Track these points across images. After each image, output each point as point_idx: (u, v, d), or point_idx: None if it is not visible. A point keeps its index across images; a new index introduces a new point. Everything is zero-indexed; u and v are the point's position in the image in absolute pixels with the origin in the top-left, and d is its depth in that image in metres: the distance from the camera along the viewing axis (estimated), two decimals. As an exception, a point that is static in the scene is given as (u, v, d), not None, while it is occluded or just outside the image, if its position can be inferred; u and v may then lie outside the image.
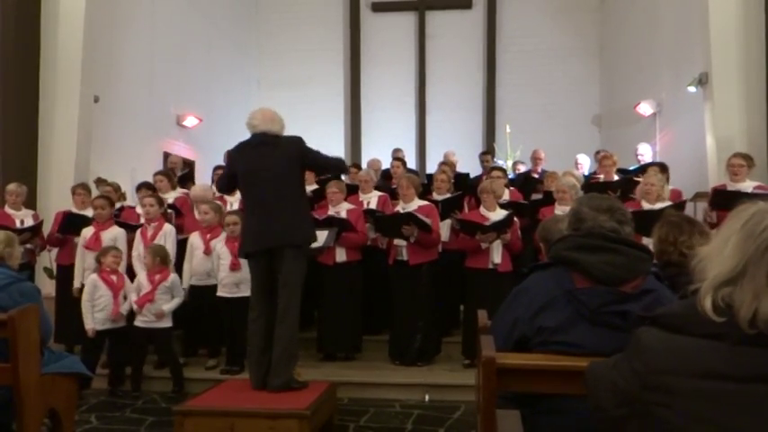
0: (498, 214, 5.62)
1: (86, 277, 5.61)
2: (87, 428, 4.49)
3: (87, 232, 5.80)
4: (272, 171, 4.21)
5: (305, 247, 4.33)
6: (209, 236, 5.67)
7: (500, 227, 5.45)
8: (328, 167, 4.74)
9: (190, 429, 3.78)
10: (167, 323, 5.36)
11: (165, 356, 5.49)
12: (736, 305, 1.26)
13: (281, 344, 4.14)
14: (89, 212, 6.13)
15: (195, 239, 5.73)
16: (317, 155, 4.38)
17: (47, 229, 6.34)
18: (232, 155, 4.56)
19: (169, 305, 5.34)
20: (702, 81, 7.54)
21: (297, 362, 4.31)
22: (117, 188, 7.02)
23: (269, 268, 4.28)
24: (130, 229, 5.94)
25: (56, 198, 7.20)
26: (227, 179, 4.58)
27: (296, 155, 4.27)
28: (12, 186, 6.27)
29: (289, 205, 4.22)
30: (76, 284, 5.75)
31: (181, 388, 5.32)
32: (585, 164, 8.20)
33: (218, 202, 6.00)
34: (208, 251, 5.62)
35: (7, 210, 6.22)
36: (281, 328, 4.16)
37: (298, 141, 4.33)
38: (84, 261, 5.77)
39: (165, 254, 5.45)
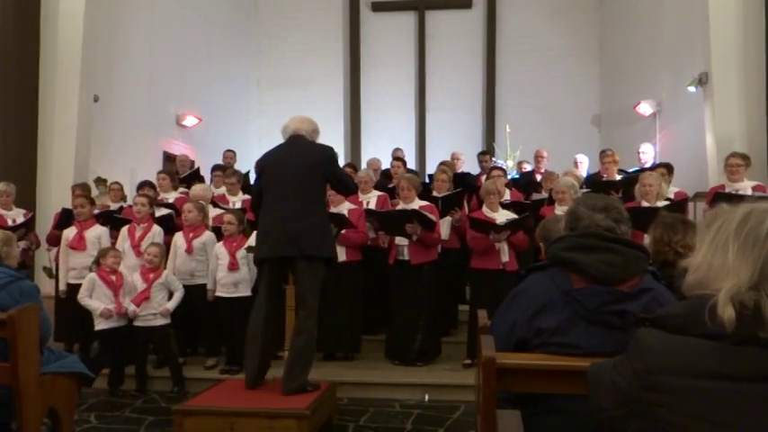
0: (501, 215, 5.61)
1: (71, 278, 5.65)
2: (87, 428, 4.49)
3: (70, 232, 5.82)
4: (295, 172, 4.07)
5: (321, 260, 4.11)
6: (191, 235, 5.69)
7: (514, 226, 5.45)
8: (344, 186, 4.58)
9: (189, 429, 3.78)
10: (165, 320, 5.37)
11: (163, 354, 5.49)
12: (765, 315, 1.24)
13: (299, 351, 4.09)
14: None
15: (178, 238, 5.77)
16: (339, 170, 4.36)
17: (46, 229, 6.35)
18: (261, 162, 4.31)
19: (172, 302, 5.36)
20: (702, 81, 7.54)
21: (311, 367, 4.24)
22: (121, 188, 7.04)
23: (280, 273, 4.19)
24: (117, 225, 5.94)
25: (56, 197, 7.20)
26: (257, 195, 4.34)
27: (321, 162, 4.13)
28: (1, 186, 6.24)
29: (307, 211, 4.04)
30: (62, 286, 5.77)
31: (182, 386, 5.32)
32: (585, 163, 8.21)
33: (202, 202, 5.99)
34: (189, 250, 5.64)
35: None
36: (300, 338, 4.09)
37: (328, 151, 4.23)
38: (67, 261, 5.77)
39: (165, 251, 5.51)
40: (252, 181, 5.29)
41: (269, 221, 4.13)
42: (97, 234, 5.80)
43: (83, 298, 5.24)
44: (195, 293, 5.60)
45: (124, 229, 5.84)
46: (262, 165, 4.29)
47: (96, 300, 5.23)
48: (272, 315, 4.22)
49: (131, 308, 5.28)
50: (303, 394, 4.02)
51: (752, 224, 1.31)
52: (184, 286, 5.59)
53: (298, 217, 4.01)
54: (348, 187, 4.62)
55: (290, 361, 4.10)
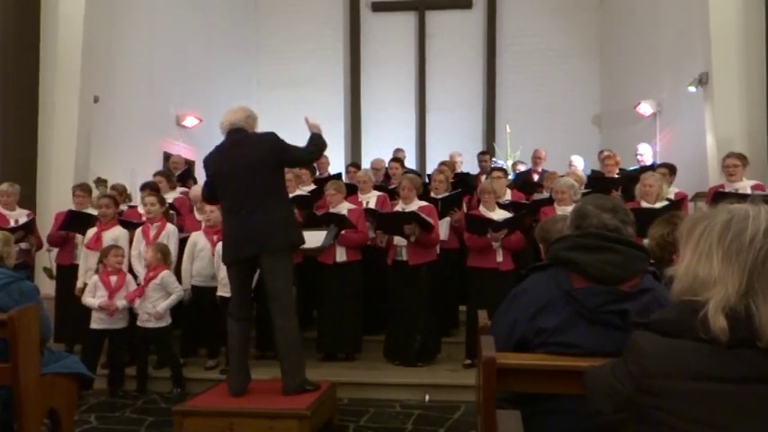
0: (498, 214, 5.62)
1: (89, 277, 5.61)
2: (87, 428, 4.49)
3: (91, 232, 5.82)
4: (244, 172, 4.01)
5: (288, 250, 4.12)
6: (215, 237, 5.58)
7: (512, 225, 5.45)
8: (309, 159, 4.52)
9: (189, 429, 3.78)
10: (165, 322, 5.35)
11: (163, 356, 5.48)
12: (758, 326, 1.24)
13: (286, 349, 4.05)
14: (89, 211, 6.14)
15: (200, 240, 5.70)
16: (294, 150, 4.18)
17: (46, 230, 6.34)
18: (207, 161, 4.31)
19: (164, 303, 5.31)
20: (702, 81, 7.54)
21: (304, 364, 4.21)
22: (123, 190, 7.02)
23: (250, 272, 4.20)
24: (134, 227, 5.94)
25: (56, 198, 7.20)
26: (208, 187, 4.39)
27: (270, 152, 4.07)
28: (4, 186, 6.23)
29: (266, 207, 4.02)
30: (79, 284, 5.74)
31: (182, 387, 5.31)
32: (579, 164, 8.16)
33: None
34: (213, 253, 5.59)
35: (1, 210, 6.19)
36: (282, 335, 4.05)
37: (271, 138, 4.14)
38: (87, 261, 5.78)
39: (167, 252, 5.46)
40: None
41: (231, 226, 4.12)
42: (115, 236, 5.75)
43: (85, 298, 5.30)
44: (212, 294, 5.61)
45: (139, 231, 5.83)
46: (210, 169, 4.24)
47: (98, 300, 5.27)
48: (245, 324, 4.19)
49: (122, 303, 5.26)
50: (303, 394, 4.02)
51: (734, 231, 1.30)
52: (202, 287, 5.59)
53: (256, 215, 4.00)
54: (307, 158, 4.53)
55: (286, 363, 4.06)
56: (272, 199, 4.08)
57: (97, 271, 5.48)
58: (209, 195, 4.48)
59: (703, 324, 1.27)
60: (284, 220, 4.14)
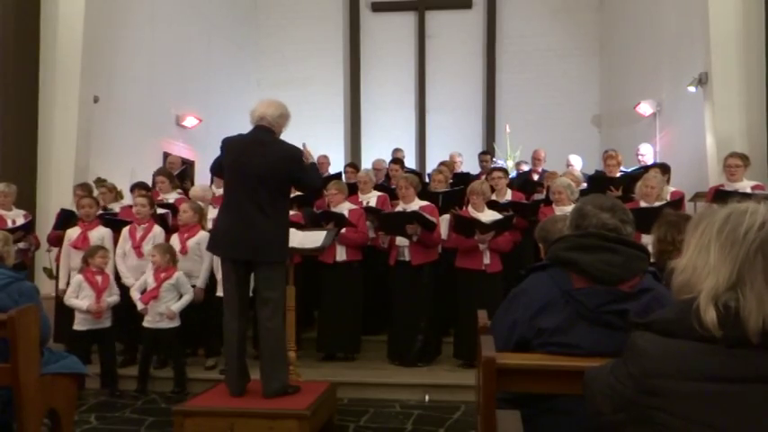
0: (486, 215, 5.61)
1: (72, 277, 5.61)
2: (87, 428, 4.49)
3: (73, 232, 5.83)
4: (259, 172, 3.94)
5: (280, 262, 4.08)
6: (186, 235, 5.68)
7: (500, 226, 5.45)
8: (308, 189, 4.49)
9: (190, 429, 3.78)
10: (175, 323, 5.34)
11: (172, 356, 5.47)
12: (744, 316, 1.25)
13: (271, 353, 4.00)
14: None
15: (174, 240, 5.75)
16: (304, 172, 4.13)
17: (46, 230, 6.34)
18: (226, 143, 4.21)
19: (178, 304, 5.33)
20: (702, 81, 7.54)
21: (288, 367, 4.17)
22: (112, 188, 7.02)
23: (246, 270, 4.13)
24: (117, 226, 5.94)
25: (55, 198, 7.19)
26: (218, 164, 4.31)
27: (290, 165, 4.03)
28: (1, 186, 6.23)
29: (268, 215, 3.95)
30: (62, 285, 5.75)
31: (183, 389, 5.31)
32: (577, 164, 8.15)
33: (200, 203, 5.96)
34: (184, 251, 5.61)
35: None
36: (269, 339, 4.00)
37: (296, 153, 4.08)
38: (69, 261, 5.77)
39: (173, 252, 5.46)
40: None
41: (228, 221, 4.04)
42: (101, 235, 5.79)
43: (69, 298, 5.28)
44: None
45: (125, 231, 5.83)
46: (227, 154, 4.15)
47: (83, 300, 5.24)
48: (241, 318, 4.10)
49: (112, 300, 5.28)
50: (303, 394, 4.02)
51: (731, 225, 1.33)
52: None
53: (259, 219, 3.93)
54: (312, 189, 4.54)
55: (264, 364, 4.00)
56: (276, 208, 4.02)
57: (80, 270, 5.43)
58: (218, 170, 4.37)
59: (696, 317, 1.29)
60: (283, 234, 4.10)
